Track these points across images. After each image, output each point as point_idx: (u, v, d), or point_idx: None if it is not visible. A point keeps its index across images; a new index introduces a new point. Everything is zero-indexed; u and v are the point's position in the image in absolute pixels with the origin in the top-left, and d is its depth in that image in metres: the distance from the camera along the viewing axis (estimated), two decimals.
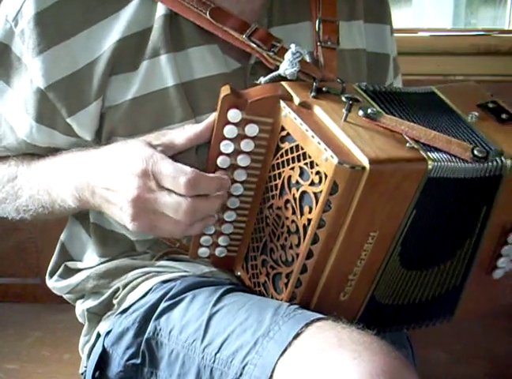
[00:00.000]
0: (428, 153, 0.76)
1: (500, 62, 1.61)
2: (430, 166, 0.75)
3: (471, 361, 1.45)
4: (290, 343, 0.73)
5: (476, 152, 0.78)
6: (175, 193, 0.77)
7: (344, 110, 0.77)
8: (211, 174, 0.80)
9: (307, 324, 0.75)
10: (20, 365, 1.38)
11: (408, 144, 0.76)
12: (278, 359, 0.73)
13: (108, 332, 0.92)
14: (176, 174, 0.77)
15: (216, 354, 0.79)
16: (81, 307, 1.02)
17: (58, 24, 0.83)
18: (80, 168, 0.86)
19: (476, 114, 0.86)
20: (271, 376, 0.73)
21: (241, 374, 0.76)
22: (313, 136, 0.74)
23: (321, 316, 0.76)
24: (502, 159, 0.80)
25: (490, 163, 0.79)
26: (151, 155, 0.79)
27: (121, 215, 0.81)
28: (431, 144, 0.78)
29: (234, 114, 0.79)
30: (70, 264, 1.01)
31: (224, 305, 0.83)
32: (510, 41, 1.62)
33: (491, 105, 0.89)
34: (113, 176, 0.81)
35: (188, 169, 0.77)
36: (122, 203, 0.80)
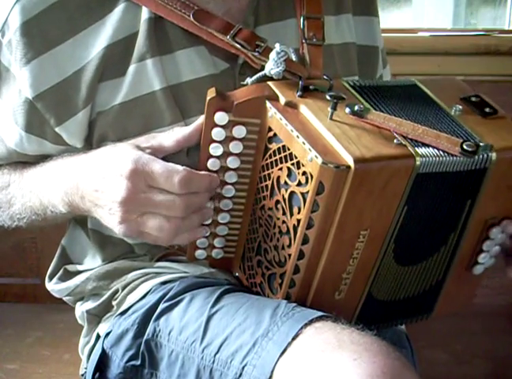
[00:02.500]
0: (416, 149, 0.76)
1: (500, 62, 1.61)
2: (418, 163, 0.75)
3: (471, 361, 1.45)
4: (289, 344, 0.73)
5: (465, 147, 0.77)
6: (167, 191, 0.77)
7: (329, 109, 0.76)
8: (201, 172, 0.80)
9: (306, 325, 0.74)
10: (20, 365, 1.38)
11: (395, 141, 0.76)
12: (277, 360, 0.73)
13: (108, 334, 0.92)
14: (169, 173, 0.77)
15: (215, 355, 0.79)
16: (81, 309, 1.02)
17: (44, 34, 0.83)
18: (69, 173, 0.85)
19: (460, 107, 0.85)
20: (270, 376, 0.72)
21: (240, 375, 0.76)
22: (298, 137, 0.74)
23: (320, 314, 0.76)
24: (487, 152, 0.80)
25: (477, 157, 0.78)
26: (140, 156, 0.78)
27: (109, 218, 0.81)
28: (420, 139, 0.77)
29: (221, 117, 0.79)
30: (70, 267, 1.01)
31: (222, 305, 0.83)
32: (510, 41, 1.62)
33: (474, 99, 0.88)
34: (101, 178, 0.80)
35: (180, 167, 0.78)
36: (110, 205, 0.79)
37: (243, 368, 0.76)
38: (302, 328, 0.74)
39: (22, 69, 0.84)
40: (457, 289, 0.92)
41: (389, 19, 1.88)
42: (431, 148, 0.77)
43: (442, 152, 0.77)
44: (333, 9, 0.95)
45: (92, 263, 0.99)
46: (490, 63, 1.61)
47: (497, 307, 1.53)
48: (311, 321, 0.75)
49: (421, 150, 0.76)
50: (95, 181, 0.81)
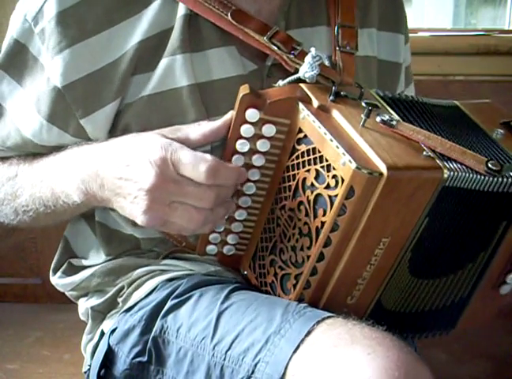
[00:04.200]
0: (444, 162, 0.76)
1: (500, 62, 1.61)
2: (445, 175, 0.75)
3: (471, 361, 1.45)
4: (302, 341, 0.73)
5: (490, 165, 0.78)
6: (194, 182, 0.76)
7: (362, 116, 0.77)
8: (230, 164, 0.80)
9: (318, 322, 0.75)
10: (20, 365, 1.38)
11: (424, 153, 0.76)
12: (291, 357, 0.73)
13: (113, 330, 0.91)
14: (196, 162, 0.76)
15: (226, 352, 0.79)
16: (85, 305, 1.01)
17: (80, 24, 0.83)
18: (88, 160, 0.84)
19: (502, 131, 0.86)
20: (284, 373, 0.72)
21: (253, 372, 0.75)
22: (331, 140, 0.74)
23: (331, 314, 0.76)
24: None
25: (507, 179, 0.79)
26: (169, 143, 0.77)
27: (131, 207, 0.79)
28: (447, 154, 0.78)
29: (252, 114, 0.78)
30: (74, 261, 1.00)
31: (232, 302, 0.83)
32: (510, 41, 1.62)
33: None
34: (125, 165, 0.79)
35: (208, 156, 0.76)
36: (135, 193, 0.77)
37: (256, 365, 0.75)
38: (314, 324, 0.74)
39: (54, 57, 0.83)
40: (481, 306, 0.92)
41: None
42: (458, 164, 0.77)
43: (468, 169, 0.77)
44: (358, 22, 0.95)
45: (97, 257, 0.98)
46: (490, 63, 1.61)
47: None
48: (323, 319, 0.75)
49: (448, 164, 0.76)
50: (118, 169, 0.79)
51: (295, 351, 0.73)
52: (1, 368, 1.36)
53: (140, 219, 0.78)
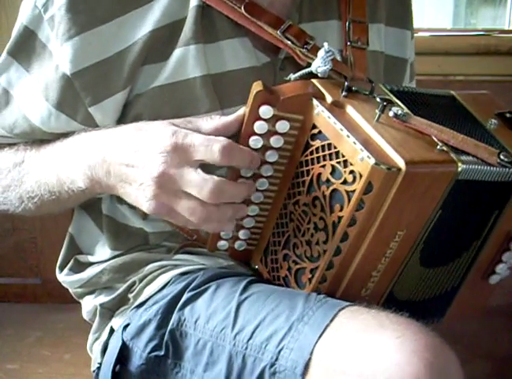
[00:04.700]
0: (458, 156, 0.77)
1: (500, 62, 1.62)
2: (459, 169, 0.76)
3: (471, 361, 1.45)
4: (327, 326, 0.73)
5: (502, 157, 0.79)
6: (202, 172, 0.76)
7: (377, 111, 0.77)
8: (244, 147, 0.79)
9: (341, 309, 0.75)
10: (20, 365, 1.38)
11: (438, 147, 0.77)
12: (316, 342, 0.73)
13: (126, 326, 0.91)
14: (209, 143, 0.75)
15: (248, 341, 0.78)
16: (92, 302, 1.00)
17: (91, 11, 0.82)
18: (94, 145, 0.83)
19: (495, 121, 0.87)
20: (309, 359, 0.72)
21: (277, 359, 0.75)
22: (348, 136, 0.74)
23: (352, 304, 0.77)
24: None
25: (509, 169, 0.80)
26: (178, 130, 0.77)
27: (137, 194, 0.78)
28: (459, 147, 0.78)
29: (266, 111, 0.78)
30: (81, 257, 1.00)
31: (251, 293, 0.82)
32: (510, 41, 1.63)
33: (508, 115, 0.90)
34: (133, 152, 0.78)
35: (221, 137, 0.76)
36: (142, 180, 0.77)
37: (279, 352, 0.75)
38: (338, 311, 0.75)
39: (64, 44, 0.83)
40: (471, 296, 0.93)
41: None
42: (470, 156, 0.78)
43: (480, 161, 0.78)
44: (368, 18, 0.95)
45: (103, 253, 0.97)
46: (490, 63, 1.61)
47: (497, 307, 1.53)
48: (346, 306, 0.76)
49: (462, 157, 0.77)
50: (126, 156, 0.79)
51: (320, 337, 0.73)
52: (1, 368, 1.36)
53: (145, 207, 0.78)
